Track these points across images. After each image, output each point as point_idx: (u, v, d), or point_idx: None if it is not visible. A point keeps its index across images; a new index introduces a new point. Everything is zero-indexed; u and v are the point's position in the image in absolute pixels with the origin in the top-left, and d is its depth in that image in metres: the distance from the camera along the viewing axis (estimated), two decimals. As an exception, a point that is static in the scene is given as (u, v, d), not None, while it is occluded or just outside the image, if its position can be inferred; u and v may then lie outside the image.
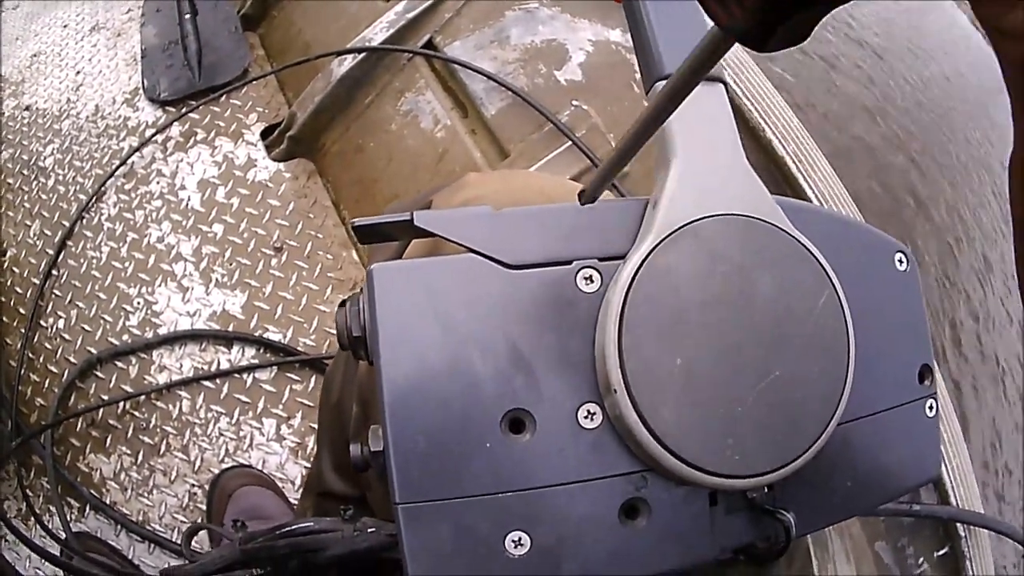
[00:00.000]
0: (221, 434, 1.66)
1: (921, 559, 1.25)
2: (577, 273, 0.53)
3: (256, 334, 1.76)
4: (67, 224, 1.90)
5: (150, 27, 2.25)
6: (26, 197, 2.00)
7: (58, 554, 1.46)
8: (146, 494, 1.62)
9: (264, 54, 2.24)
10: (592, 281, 0.53)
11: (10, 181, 2.04)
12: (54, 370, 1.75)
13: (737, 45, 0.28)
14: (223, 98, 2.08)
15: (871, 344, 0.56)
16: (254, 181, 1.95)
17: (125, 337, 1.77)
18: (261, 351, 1.75)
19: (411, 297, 0.52)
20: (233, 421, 1.68)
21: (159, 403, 1.69)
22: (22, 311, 1.82)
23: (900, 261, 0.61)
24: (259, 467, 1.63)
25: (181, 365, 1.73)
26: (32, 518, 1.55)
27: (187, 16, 2.20)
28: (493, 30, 1.76)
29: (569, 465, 0.51)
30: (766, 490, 0.55)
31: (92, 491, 1.62)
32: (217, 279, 1.82)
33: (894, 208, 2.49)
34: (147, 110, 2.11)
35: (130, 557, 1.55)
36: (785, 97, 1.44)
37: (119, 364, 1.73)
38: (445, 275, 0.53)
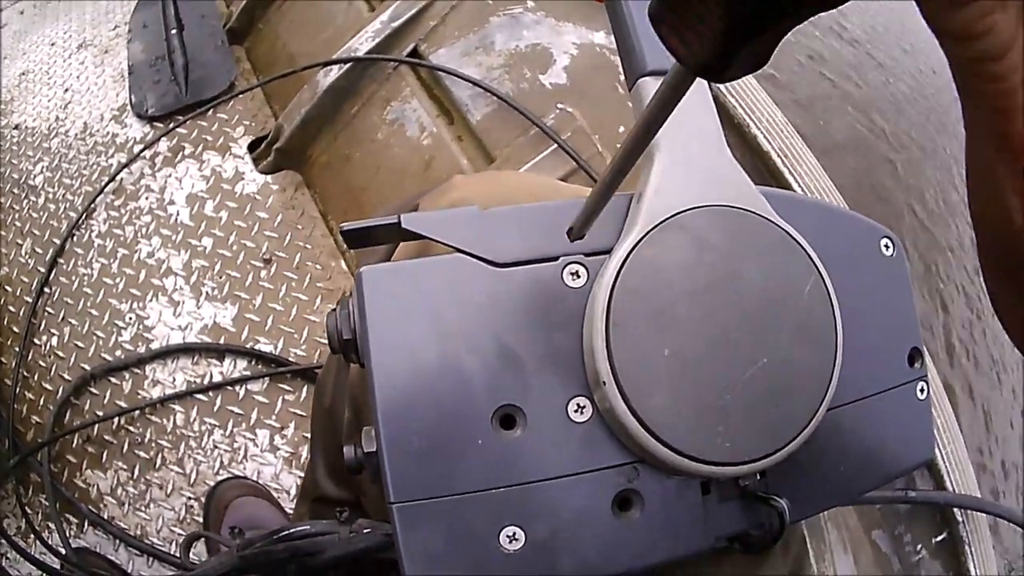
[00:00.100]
0: (215, 446, 1.66)
1: (919, 546, 1.25)
2: (563, 269, 0.53)
3: (247, 346, 1.76)
4: (58, 242, 1.90)
5: (137, 43, 2.26)
6: (17, 216, 2.00)
7: (59, 569, 1.46)
8: (143, 508, 1.62)
9: (250, 67, 2.25)
10: (578, 276, 0.53)
11: (0, 200, 2.03)
12: (49, 387, 1.75)
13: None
14: (210, 112, 2.08)
15: (859, 329, 0.56)
16: (242, 194, 1.95)
17: (118, 353, 1.77)
18: (253, 363, 1.75)
19: (400, 298, 0.52)
20: (227, 433, 1.67)
21: (153, 417, 1.69)
22: (15, 329, 1.82)
23: (886, 247, 0.62)
24: (254, 478, 1.62)
25: (174, 379, 1.73)
26: (32, 535, 1.54)
27: (173, 31, 2.20)
28: (478, 36, 1.77)
29: (561, 459, 0.52)
30: (759, 477, 0.55)
31: (90, 507, 1.61)
32: (208, 292, 1.82)
33: (880, 203, 2.49)
34: (135, 126, 2.11)
35: (129, 571, 1.55)
36: (769, 91, 1.45)
37: (113, 380, 1.73)
38: (433, 275, 0.53)
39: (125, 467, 1.65)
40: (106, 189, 1.96)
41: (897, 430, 0.60)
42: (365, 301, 0.52)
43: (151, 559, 1.56)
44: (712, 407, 0.50)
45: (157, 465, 1.65)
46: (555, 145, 1.54)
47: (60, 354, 1.78)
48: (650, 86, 0.58)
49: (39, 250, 1.92)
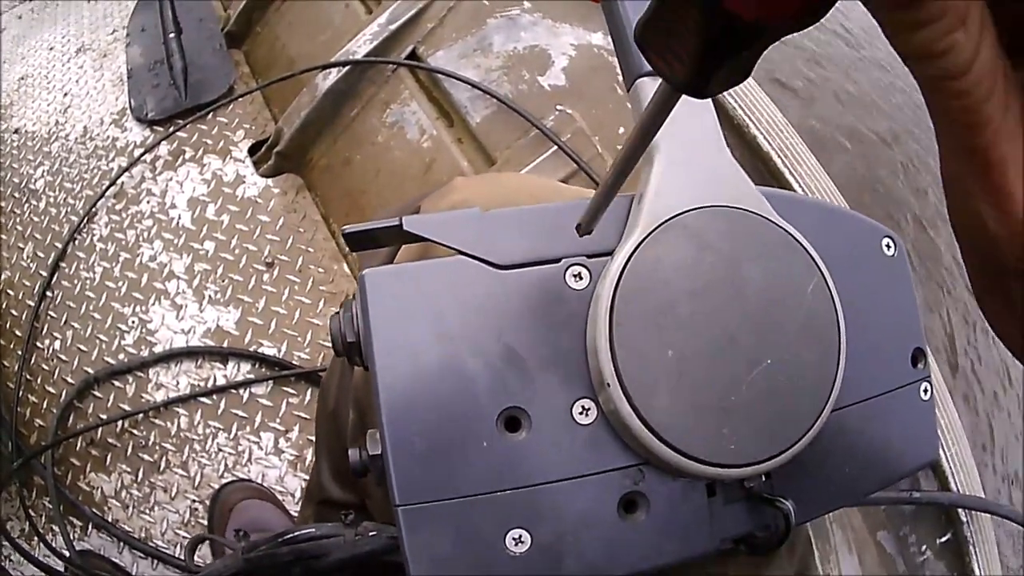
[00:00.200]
0: (220, 449, 1.66)
1: (924, 546, 1.25)
2: (566, 271, 0.53)
3: (251, 349, 1.76)
4: (60, 246, 1.90)
5: (135, 47, 2.26)
6: (18, 220, 2.00)
7: (63, 572, 1.47)
8: (147, 511, 1.62)
9: (249, 71, 2.25)
10: (581, 278, 0.53)
11: (2, 204, 2.04)
12: (52, 391, 1.75)
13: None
14: (210, 116, 2.08)
15: (862, 329, 0.56)
16: (243, 197, 1.95)
17: (121, 356, 1.77)
18: (256, 366, 1.75)
19: (403, 300, 0.52)
20: (231, 436, 1.68)
21: (157, 421, 1.69)
22: (18, 333, 1.82)
23: (887, 246, 0.62)
24: (259, 481, 1.63)
25: (178, 382, 1.73)
26: (36, 538, 1.55)
27: (172, 35, 2.20)
28: (476, 38, 1.77)
29: (566, 461, 0.52)
30: (764, 479, 0.55)
31: (94, 509, 1.62)
32: (210, 296, 1.82)
33: (881, 202, 2.49)
34: (135, 130, 2.11)
35: (134, 574, 1.55)
36: (768, 91, 1.45)
37: (116, 383, 1.74)
38: (436, 278, 0.53)
39: (129, 470, 1.65)
40: (107, 193, 1.96)
41: (901, 431, 0.60)
42: (368, 304, 0.52)
43: (155, 562, 1.57)
44: (717, 409, 0.50)
45: (161, 468, 1.65)
46: (555, 147, 1.55)
47: (63, 358, 1.79)
48: (648, 87, 0.58)
49: (41, 254, 1.93)
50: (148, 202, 1.96)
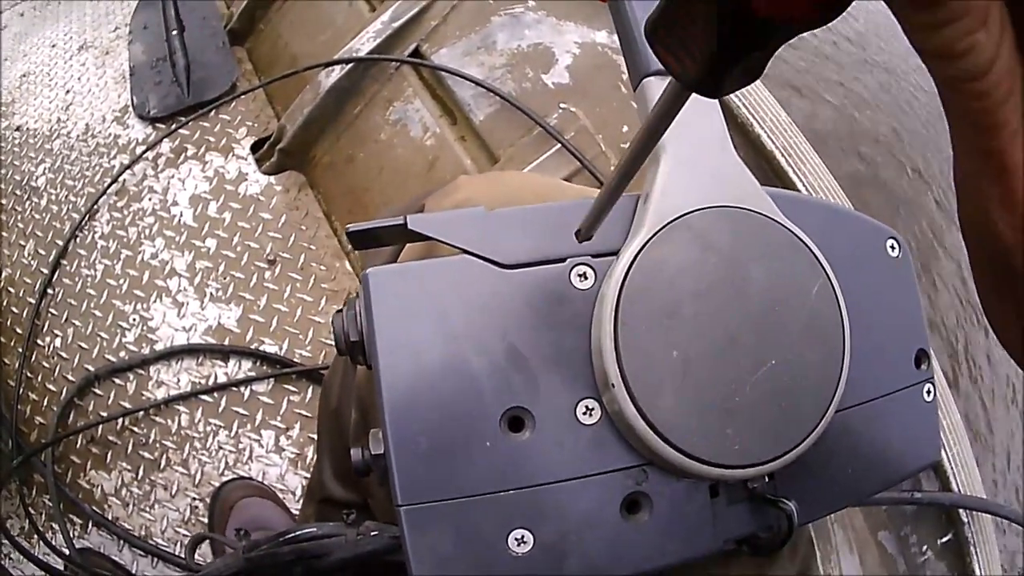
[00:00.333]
0: (220, 447, 1.66)
1: (925, 547, 1.25)
2: (571, 270, 0.53)
3: (252, 347, 1.76)
4: (61, 243, 1.90)
5: (138, 44, 2.26)
6: (19, 217, 2.00)
7: (63, 570, 1.47)
8: (148, 509, 1.62)
9: (252, 68, 2.25)
10: (586, 278, 0.53)
11: (3, 202, 2.04)
12: (52, 388, 1.75)
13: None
14: (212, 113, 2.08)
15: (866, 330, 0.56)
16: (245, 195, 1.95)
17: (122, 354, 1.77)
18: (257, 364, 1.75)
19: (407, 300, 0.52)
20: (232, 434, 1.67)
21: (158, 418, 1.69)
22: (19, 331, 1.82)
23: (892, 248, 0.62)
24: (259, 479, 1.63)
25: (179, 380, 1.73)
26: (35, 535, 1.55)
27: (174, 32, 2.20)
28: (479, 36, 1.77)
29: (570, 461, 0.51)
30: (767, 479, 0.55)
31: (94, 507, 1.62)
32: (212, 293, 1.82)
33: (886, 203, 2.49)
34: (137, 127, 2.11)
35: (134, 572, 1.55)
36: (772, 90, 1.45)
37: (117, 381, 1.73)
38: (440, 277, 0.53)
39: (129, 468, 1.65)
40: (109, 190, 1.96)
41: (904, 432, 0.60)
42: (372, 303, 0.52)
43: (156, 560, 1.57)
44: (721, 409, 0.50)
45: (162, 466, 1.65)
46: (559, 145, 1.54)
47: (64, 355, 1.79)
48: (655, 86, 0.58)
49: (42, 251, 1.93)
50: (150, 199, 1.96)
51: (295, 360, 1.74)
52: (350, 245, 0.57)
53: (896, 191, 2.52)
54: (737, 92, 1.39)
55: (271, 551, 0.75)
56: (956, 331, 2.31)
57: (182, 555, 1.55)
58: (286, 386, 1.72)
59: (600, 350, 0.51)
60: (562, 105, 1.60)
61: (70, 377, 1.75)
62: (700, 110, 0.57)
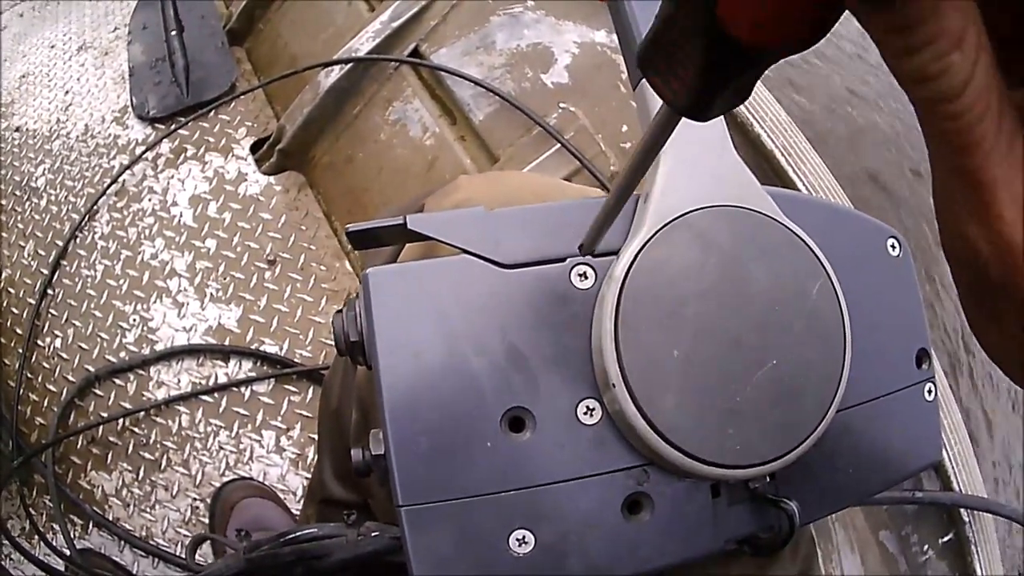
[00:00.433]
0: (221, 448, 1.66)
1: (926, 546, 1.25)
2: (571, 270, 0.53)
3: (252, 347, 1.76)
4: (61, 244, 1.90)
5: (137, 45, 2.26)
6: (19, 218, 2.00)
7: (63, 571, 1.47)
8: (148, 509, 1.62)
9: (251, 68, 2.24)
10: (586, 278, 0.53)
11: (3, 202, 2.04)
12: (53, 389, 1.75)
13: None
14: (212, 113, 2.08)
15: (867, 330, 0.56)
16: (245, 195, 1.95)
17: (122, 354, 1.77)
18: (258, 364, 1.75)
19: (407, 300, 0.52)
20: (232, 434, 1.67)
21: (158, 419, 1.69)
22: (19, 331, 1.82)
23: (892, 247, 0.61)
24: (260, 479, 1.63)
25: (179, 380, 1.73)
26: (36, 536, 1.55)
27: (173, 33, 2.20)
28: (478, 36, 1.77)
29: (570, 462, 0.51)
30: (768, 479, 0.55)
31: (95, 508, 1.62)
32: (212, 294, 1.82)
33: (885, 203, 2.49)
34: (136, 128, 2.11)
35: (135, 572, 1.55)
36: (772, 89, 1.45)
37: (117, 381, 1.73)
38: (440, 277, 0.53)
39: (130, 468, 1.65)
40: (108, 191, 1.96)
41: (906, 432, 0.60)
42: (372, 303, 0.52)
43: (156, 560, 1.57)
44: (722, 409, 0.50)
45: (162, 466, 1.65)
46: (558, 144, 1.54)
47: (64, 356, 1.79)
48: (654, 87, 0.58)
49: (42, 252, 1.93)
50: (149, 200, 1.96)
51: (295, 360, 1.74)
52: (350, 245, 0.57)
53: (896, 191, 2.52)
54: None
55: (272, 552, 0.75)
56: (956, 330, 2.31)
57: (183, 556, 1.55)
58: (286, 386, 1.72)
59: (601, 350, 0.51)
60: (561, 105, 1.60)
61: (70, 378, 1.75)
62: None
